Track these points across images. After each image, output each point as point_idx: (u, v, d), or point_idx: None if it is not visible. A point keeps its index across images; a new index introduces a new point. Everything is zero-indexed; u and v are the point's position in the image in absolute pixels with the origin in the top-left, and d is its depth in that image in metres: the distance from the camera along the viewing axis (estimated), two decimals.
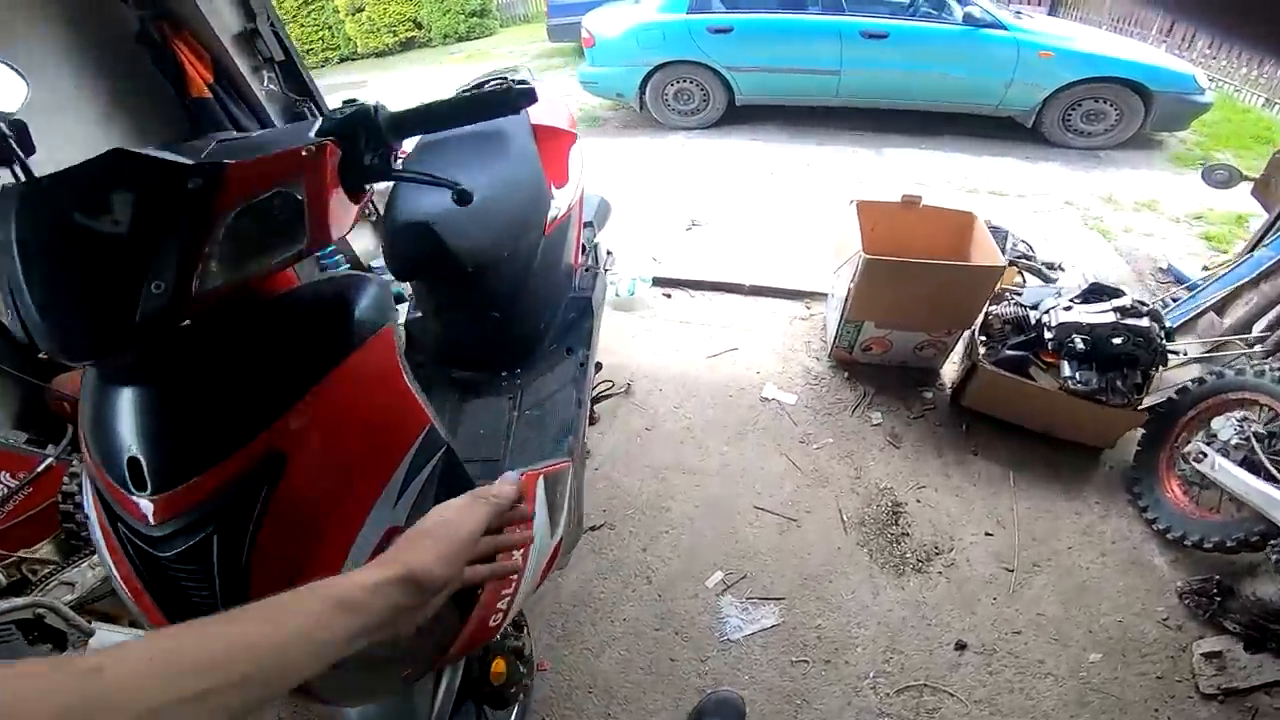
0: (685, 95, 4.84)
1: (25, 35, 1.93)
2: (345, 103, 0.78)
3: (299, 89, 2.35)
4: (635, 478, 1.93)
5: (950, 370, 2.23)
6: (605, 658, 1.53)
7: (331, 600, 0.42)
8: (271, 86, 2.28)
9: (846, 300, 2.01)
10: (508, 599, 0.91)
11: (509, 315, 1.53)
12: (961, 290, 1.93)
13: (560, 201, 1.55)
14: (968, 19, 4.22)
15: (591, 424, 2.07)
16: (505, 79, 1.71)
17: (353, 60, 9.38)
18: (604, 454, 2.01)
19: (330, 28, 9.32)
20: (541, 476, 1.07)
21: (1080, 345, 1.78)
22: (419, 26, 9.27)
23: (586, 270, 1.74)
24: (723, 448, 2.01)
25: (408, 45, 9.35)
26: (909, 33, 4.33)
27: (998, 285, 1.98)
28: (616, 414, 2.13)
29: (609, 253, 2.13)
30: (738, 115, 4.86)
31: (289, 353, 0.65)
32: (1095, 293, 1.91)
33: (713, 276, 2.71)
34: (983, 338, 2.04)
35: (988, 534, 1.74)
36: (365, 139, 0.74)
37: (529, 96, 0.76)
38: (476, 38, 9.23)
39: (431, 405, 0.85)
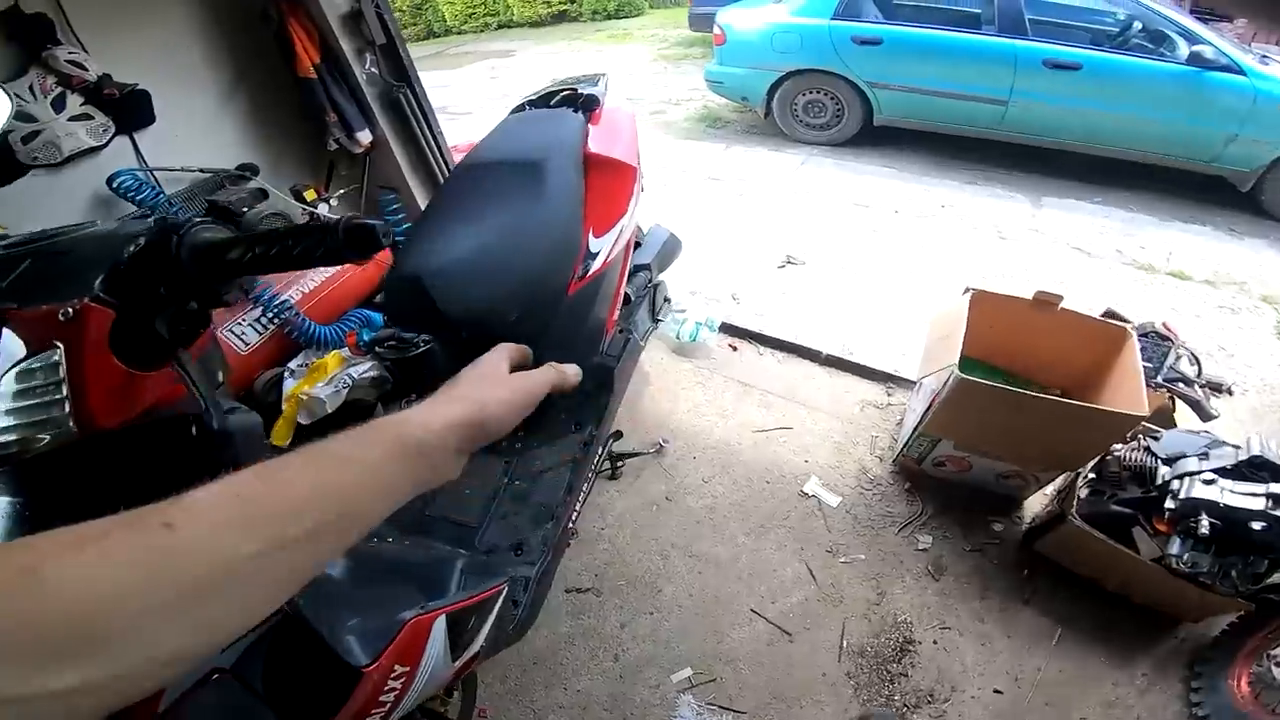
0: (817, 108, 4.40)
1: (165, 10, 2.04)
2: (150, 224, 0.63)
3: (398, 74, 2.32)
4: (638, 549, 1.77)
5: (1036, 502, 1.82)
6: None
7: (402, 441, 0.39)
8: (372, 70, 2.27)
9: (927, 413, 1.64)
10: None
11: None
12: (1079, 433, 1.51)
13: (600, 252, 1.35)
14: (1194, 59, 3.42)
15: (612, 479, 1.90)
16: (575, 88, 1.52)
17: (510, 27, 9.71)
18: (614, 515, 1.85)
19: None
20: (443, 615, 0.91)
21: (1205, 529, 1.34)
22: (572, 1, 9.38)
23: (620, 332, 1.54)
24: (740, 537, 1.79)
25: (560, 17, 9.54)
26: (1110, 66, 3.61)
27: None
28: (640, 474, 1.95)
29: (666, 300, 1.91)
30: (873, 137, 4.35)
31: None
32: (1255, 467, 1.41)
33: (789, 334, 2.40)
34: (1091, 475, 1.61)
35: (996, 691, 1.47)
36: (163, 291, 0.57)
37: (366, 243, 0.54)
38: (624, 16, 9.16)
39: None
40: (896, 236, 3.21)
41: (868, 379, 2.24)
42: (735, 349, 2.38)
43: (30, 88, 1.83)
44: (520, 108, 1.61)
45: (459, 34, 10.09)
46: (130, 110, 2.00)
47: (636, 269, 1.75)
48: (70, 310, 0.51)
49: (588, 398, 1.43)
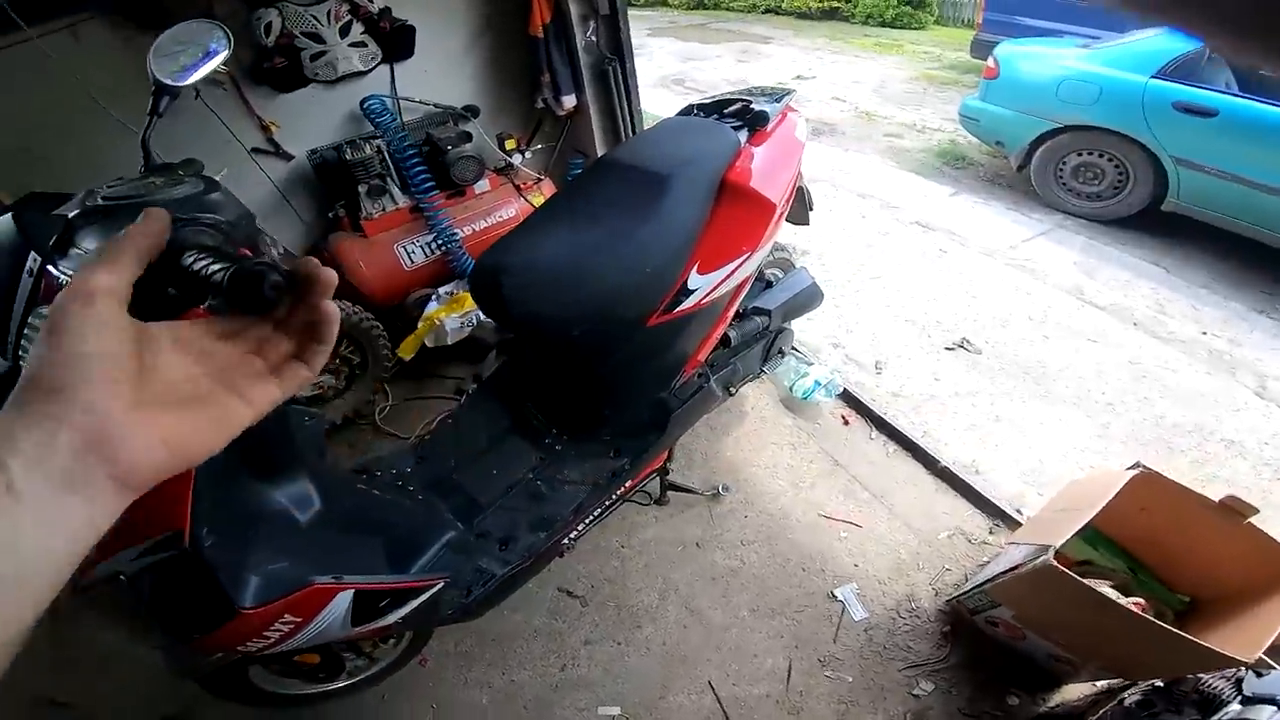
0: (1090, 173, 3.61)
1: None
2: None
3: (613, 46, 2.36)
4: (642, 579, 1.72)
5: (1074, 691, 1.43)
6: (468, 698, 1.53)
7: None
8: (591, 38, 2.33)
9: (1001, 576, 1.30)
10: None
11: (567, 387, 1.35)
12: (1164, 656, 1.16)
13: (699, 290, 1.24)
14: None
15: (657, 503, 1.85)
16: (750, 101, 1.39)
17: (777, 14, 9.47)
18: (639, 539, 1.79)
19: None
20: (352, 591, 0.93)
21: None
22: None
23: (699, 376, 1.42)
24: (744, 611, 1.64)
25: (830, 14, 8.99)
26: None
27: None
28: (685, 511, 1.85)
29: (782, 352, 1.74)
30: (1148, 222, 3.46)
31: None
32: None
33: (915, 427, 2.04)
34: (1155, 685, 1.23)
35: None
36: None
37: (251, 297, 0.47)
38: (901, 27, 8.33)
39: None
40: (1120, 356, 2.49)
41: (977, 506, 1.85)
42: (847, 423, 2.10)
43: (328, 13, 2.18)
44: (688, 110, 1.53)
45: (727, 10, 10.12)
46: (396, 43, 2.31)
47: (755, 311, 1.60)
48: None
49: (639, 430, 1.36)
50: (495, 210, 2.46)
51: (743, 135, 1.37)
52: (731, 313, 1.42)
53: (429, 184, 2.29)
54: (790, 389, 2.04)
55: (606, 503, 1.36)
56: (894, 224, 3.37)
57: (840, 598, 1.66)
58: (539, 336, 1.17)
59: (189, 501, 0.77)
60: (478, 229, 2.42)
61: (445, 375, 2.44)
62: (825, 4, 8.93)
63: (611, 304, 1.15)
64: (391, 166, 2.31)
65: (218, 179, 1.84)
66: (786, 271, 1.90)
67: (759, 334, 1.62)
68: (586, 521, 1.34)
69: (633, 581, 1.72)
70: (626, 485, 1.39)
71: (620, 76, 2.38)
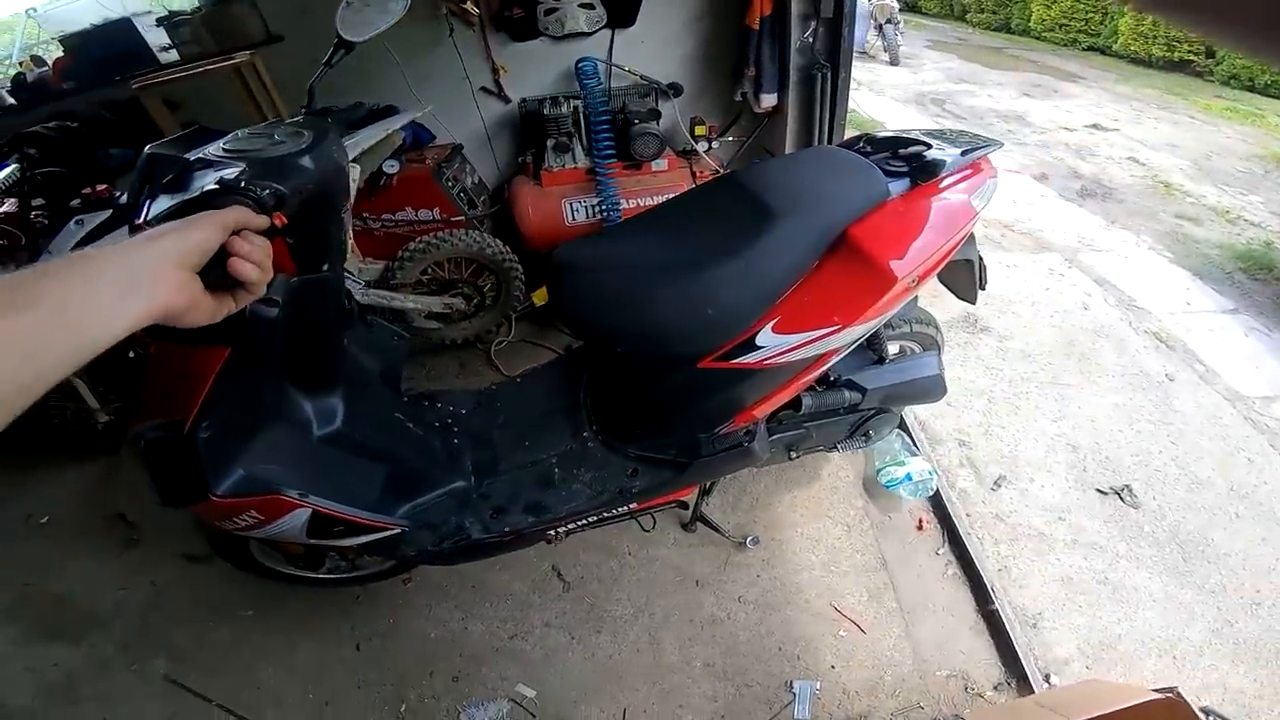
0: None
1: None
2: None
3: (830, 52, 2.13)
4: (628, 592, 1.69)
5: None
6: (419, 628, 1.65)
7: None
8: (808, 39, 2.14)
9: None
10: None
11: (612, 392, 1.29)
12: None
13: (767, 349, 1.10)
14: None
15: (684, 527, 1.77)
16: (930, 144, 1.17)
17: (1102, 54, 7.77)
18: (646, 553, 1.75)
19: (1104, 12, 7.76)
20: (309, 510, 1.00)
21: None
22: (1210, 55, 6.80)
23: (745, 434, 1.26)
24: (697, 661, 1.55)
25: (1177, 66, 6.99)
26: None
27: None
28: (703, 545, 1.74)
29: (868, 435, 1.49)
30: None
31: None
32: None
33: (994, 563, 1.64)
34: None
35: None
36: None
37: None
38: (1274, 96, 6.25)
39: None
40: None
41: (1001, 657, 1.50)
42: (920, 528, 1.77)
43: None
44: (854, 141, 1.33)
45: (1039, 39, 8.56)
46: (621, 10, 2.38)
47: (849, 384, 1.38)
48: None
49: (662, 461, 1.27)
50: (664, 191, 2.44)
51: (898, 185, 1.15)
52: (811, 378, 1.24)
53: (610, 152, 2.34)
54: (877, 472, 1.76)
55: (604, 515, 1.31)
56: (1122, 327, 2.64)
57: (794, 691, 1.47)
58: (586, 340, 1.15)
59: (199, 399, 0.90)
60: (641, 204, 2.43)
61: (564, 330, 2.53)
62: (1174, 54, 6.99)
63: (661, 335, 1.07)
64: (582, 128, 2.40)
65: (418, 116, 2.08)
66: (923, 349, 1.61)
67: (845, 409, 1.41)
68: (579, 523, 1.32)
69: (619, 589, 1.68)
70: (630, 508, 1.33)
71: (830, 85, 2.16)
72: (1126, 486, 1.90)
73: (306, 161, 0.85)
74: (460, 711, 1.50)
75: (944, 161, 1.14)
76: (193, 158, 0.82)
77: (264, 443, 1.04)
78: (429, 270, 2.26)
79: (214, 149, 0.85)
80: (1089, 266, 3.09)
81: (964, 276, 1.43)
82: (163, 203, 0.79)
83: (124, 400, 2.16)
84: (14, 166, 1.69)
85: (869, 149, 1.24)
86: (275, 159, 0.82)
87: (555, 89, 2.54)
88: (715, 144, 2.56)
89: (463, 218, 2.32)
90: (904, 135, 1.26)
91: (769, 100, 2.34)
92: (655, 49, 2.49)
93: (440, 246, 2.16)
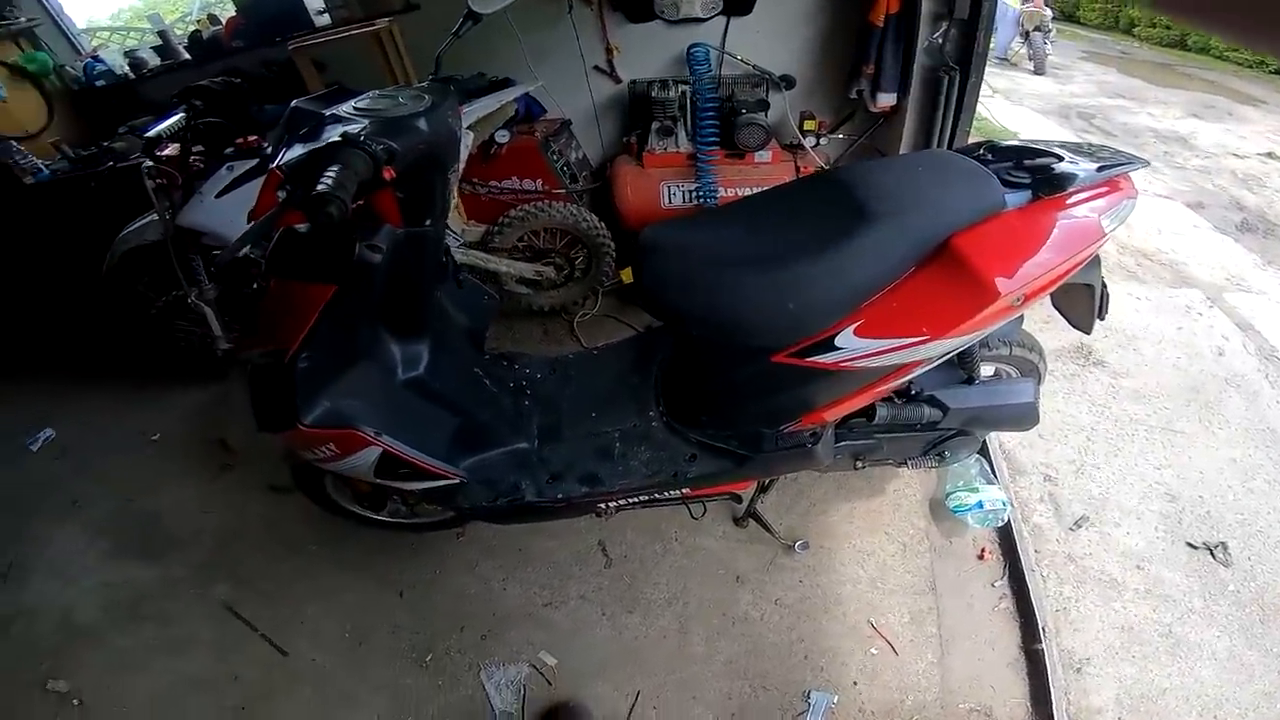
0: None
1: None
2: None
3: (960, 55, 2.01)
4: (668, 576, 1.71)
5: None
6: (461, 583, 1.75)
7: None
8: (937, 40, 2.03)
9: None
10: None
11: (683, 374, 1.30)
12: None
13: (846, 350, 1.07)
14: None
15: (736, 522, 1.78)
16: (1062, 157, 1.09)
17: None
18: (693, 542, 1.75)
19: None
20: (380, 449, 1.08)
21: None
22: None
23: (812, 434, 1.23)
24: (720, 656, 1.56)
25: None
26: None
27: None
28: (751, 543, 1.73)
29: (943, 456, 1.41)
30: None
31: None
32: None
33: (1050, 599, 1.54)
34: None
35: None
36: None
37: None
38: None
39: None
40: None
41: (1033, 700, 1.42)
42: (982, 557, 1.66)
43: None
44: (974, 147, 1.25)
45: (1219, 59, 7.46)
46: None
47: (930, 400, 1.31)
48: None
49: (722, 451, 1.27)
50: (764, 182, 2.40)
51: (1016, 197, 1.07)
52: (888, 387, 1.19)
53: (714, 139, 2.34)
54: (946, 495, 1.66)
55: (656, 496, 1.33)
56: (1258, 379, 2.30)
57: (810, 701, 1.45)
58: (662, 320, 1.17)
59: (303, 332, 1.01)
60: (739, 194, 2.41)
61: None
62: None
63: (736, 324, 1.07)
64: (688, 113, 2.41)
65: (531, 88, 2.16)
66: (1021, 375, 1.49)
67: (923, 426, 1.34)
68: (630, 501, 1.35)
69: (659, 573, 1.71)
70: (683, 493, 1.34)
71: (957, 90, 2.03)
72: (1222, 544, 1.71)
73: (421, 124, 0.93)
74: (481, 668, 1.58)
75: (1075, 175, 1.05)
76: (327, 114, 0.92)
77: (350, 380, 1.14)
78: (525, 237, 2.36)
79: (346, 107, 0.94)
80: (1232, 308, 2.73)
81: (1082, 302, 1.31)
82: (296, 150, 0.89)
83: (243, 330, 2.45)
84: (180, 115, 1.94)
85: (989, 156, 1.16)
86: (395, 119, 0.90)
87: (665, 72, 2.55)
88: (824, 140, 2.48)
89: (563, 191, 2.41)
90: (1033, 145, 1.17)
91: (886, 100, 2.24)
92: (770, 39, 2.44)
93: (538, 216, 2.26)
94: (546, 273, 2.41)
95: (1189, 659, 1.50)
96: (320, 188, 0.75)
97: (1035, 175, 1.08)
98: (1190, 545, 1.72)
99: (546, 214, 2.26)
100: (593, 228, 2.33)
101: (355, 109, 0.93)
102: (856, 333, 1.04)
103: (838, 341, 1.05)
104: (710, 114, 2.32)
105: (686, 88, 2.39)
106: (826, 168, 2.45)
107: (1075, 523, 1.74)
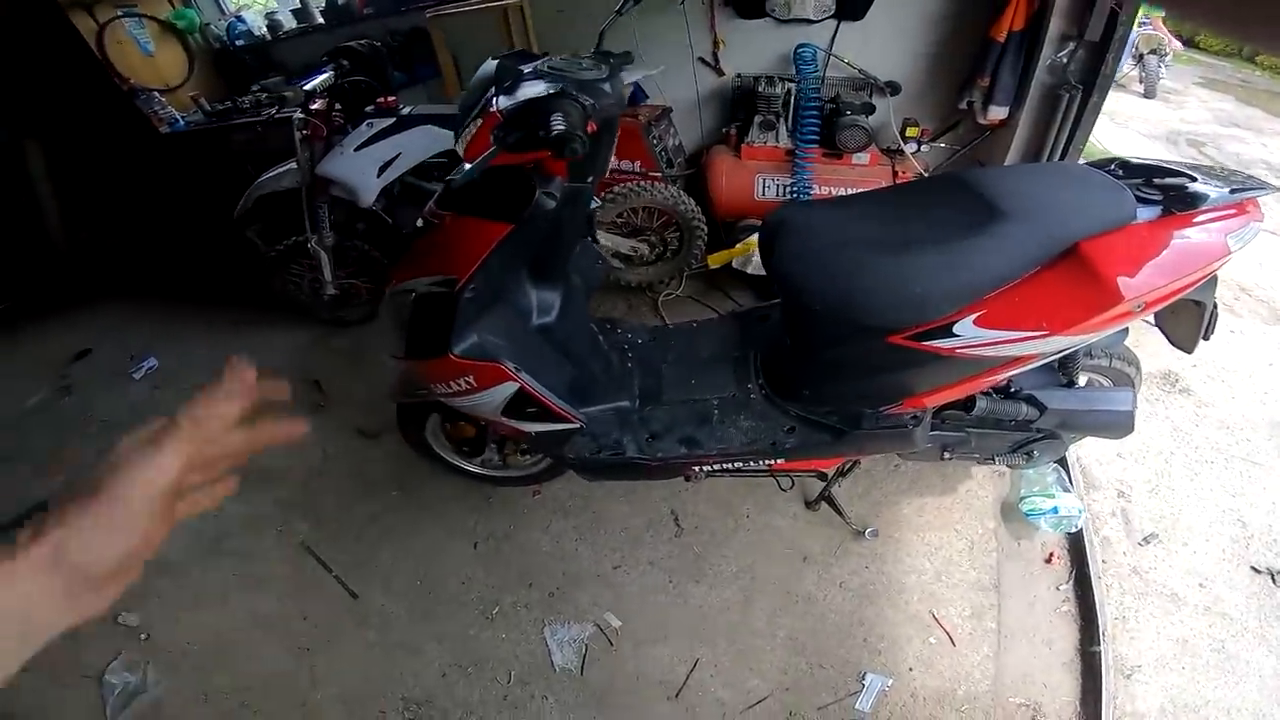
0: None
1: None
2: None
3: (1084, 75, 2.02)
4: (737, 551, 1.79)
5: None
6: (535, 539, 1.86)
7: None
8: (1061, 59, 2.05)
9: None
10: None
11: (790, 350, 1.40)
12: None
13: (963, 339, 1.14)
14: None
15: (807, 505, 1.85)
16: (1195, 177, 1.14)
17: None
18: (765, 521, 1.83)
19: None
20: (517, 385, 1.24)
21: None
22: None
23: (913, 418, 1.31)
24: (780, 632, 1.63)
25: None
26: None
27: None
28: (821, 527, 1.80)
29: (1029, 456, 1.48)
30: None
31: None
32: None
33: (1112, 607, 1.58)
34: None
35: None
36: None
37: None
38: None
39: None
40: None
41: (1082, 700, 1.47)
42: (1049, 561, 1.71)
43: None
44: (1105, 163, 1.31)
45: None
46: (851, 3, 2.42)
47: (1029, 399, 1.37)
48: None
49: (821, 426, 1.37)
50: (860, 184, 2.47)
51: (1147, 211, 1.13)
52: (993, 380, 1.26)
53: (814, 137, 2.42)
54: (1020, 498, 1.70)
55: (751, 464, 1.43)
56: None
57: (864, 682, 1.51)
58: (785, 294, 1.26)
59: (474, 265, 1.13)
60: (832, 193, 2.49)
61: (729, 294, 2.69)
62: None
63: (859, 303, 1.14)
64: (790, 110, 2.49)
65: (653, 73, 2.28)
66: (1113, 384, 1.54)
67: (1016, 424, 1.40)
68: (724, 467, 1.44)
69: (728, 547, 1.78)
70: (777, 464, 1.43)
71: (1076, 110, 2.05)
72: None
73: (607, 87, 1.06)
74: (545, 624, 1.66)
75: (1207, 195, 1.10)
76: (526, 69, 1.05)
77: (496, 317, 1.26)
78: (625, 214, 2.50)
79: (541, 65, 1.07)
80: None
81: (1188, 320, 1.35)
82: (502, 101, 1.02)
83: (393, 264, 2.65)
84: (330, 73, 2.13)
85: (1120, 172, 1.22)
86: (588, 80, 1.03)
87: (769, 69, 2.64)
88: (925, 148, 2.53)
89: (659, 174, 2.53)
90: (1164, 164, 1.23)
91: (998, 113, 2.28)
92: (879, 44, 2.50)
93: (640, 194, 2.38)
94: (641, 249, 2.53)
95: (1236, 675, 1.52)
96: (560, 128, 0.88)
97: (1167, 193, 1.14)
98: (1254, 569, 1.73)
99: (649, 193, 2.39)
100: (690, 210, 2.44)
101: (550, 68, 1.06)
102: (976, 322, 1.11)
103: (956, 329, 1.12)
104: (813, 113, 2.40)
105: (792, 85, 2.47)
106: (925, 174, 2.50)
107: (1144, 539, 1.77)
